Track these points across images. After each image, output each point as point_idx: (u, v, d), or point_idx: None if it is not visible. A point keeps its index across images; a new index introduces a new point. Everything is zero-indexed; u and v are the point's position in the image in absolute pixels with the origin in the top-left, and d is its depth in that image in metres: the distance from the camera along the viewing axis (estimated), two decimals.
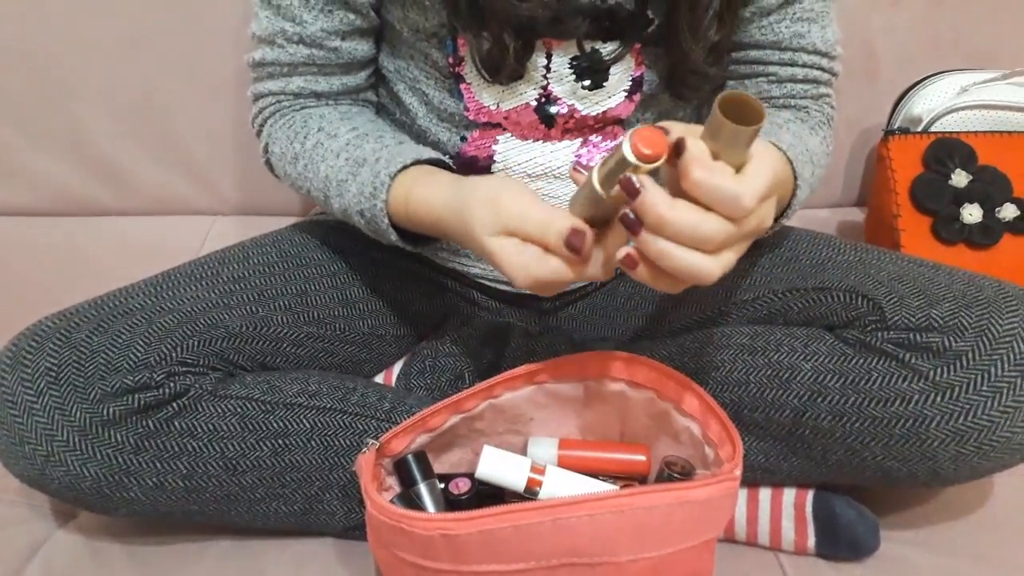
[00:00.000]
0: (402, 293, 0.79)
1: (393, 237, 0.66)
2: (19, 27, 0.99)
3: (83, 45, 1.00)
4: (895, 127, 0.98)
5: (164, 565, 0.69)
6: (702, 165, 0.48)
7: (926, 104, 0.98)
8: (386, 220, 0.65)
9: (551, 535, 0.53)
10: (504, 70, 0.66)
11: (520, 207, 0.55)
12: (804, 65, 0.73)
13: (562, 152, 0.72)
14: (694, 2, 0.64)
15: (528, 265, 0.54)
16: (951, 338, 0.62)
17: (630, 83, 0.70)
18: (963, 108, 0.96)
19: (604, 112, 0.71)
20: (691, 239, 0.49)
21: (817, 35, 0.71)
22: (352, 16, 0.70)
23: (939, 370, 0.61)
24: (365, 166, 0.66)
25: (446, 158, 0.71)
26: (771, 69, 0.73)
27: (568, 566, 0.54)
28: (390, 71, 0.75)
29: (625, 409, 0.67)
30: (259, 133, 0.76)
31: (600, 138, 0.73)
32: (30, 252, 1.07)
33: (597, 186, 0.51)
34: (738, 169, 0.50)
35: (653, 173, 0.49)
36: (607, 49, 0.68)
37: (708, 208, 0.49)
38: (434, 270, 0.80)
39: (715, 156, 0.49)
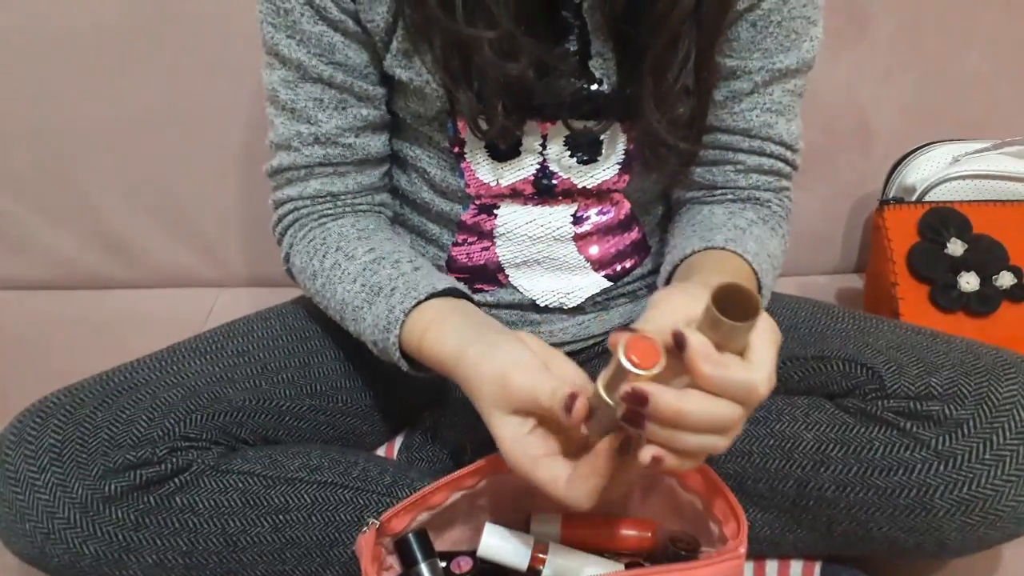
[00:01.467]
0: None
1: (405, 368, 0.66)
2: (31, 106, 1.02)
3: (93, 123, 1.02)
4: (890, 197, 0.99)
5: None
6: (708, 360, 0.46)
7: (919, 174, 0.99)
8: (398, 353, 0.65)
9: None
10: (495, 129, 0.66)
11: (529, 385, 0.53)
12: (770, 155, 0.73)
13: (561, 213, 0.74)
14: (659, 75, 0.65)
15: (528, 449, 0.53)
16: (951, 406, 0.62)
17: (623, 157, 0.72)
18: (956, 178, 0.98)
19: (599, 184, 0.73)
20: (709, 427, 0.48)
21: (783, 127, 0.72)
22: (365, 111, 0.71)
23: (941, 439, 0.62)
24: (380, 296, 0.66)
25: (462, 286, 0.69)
26: (739, 157, 0.73)
27: None
28: (395, 150, 0.77)
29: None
30: (280, 241, 0.77)
31: (596, 202, 0.75)
32: (40, 324, 1.08)
33: (605, 396, 0.49)
34: (741, 351, 0.48)
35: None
36: (597, 127, 0.70)
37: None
38: None
39: (717, 345, 0.47)
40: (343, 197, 0.74)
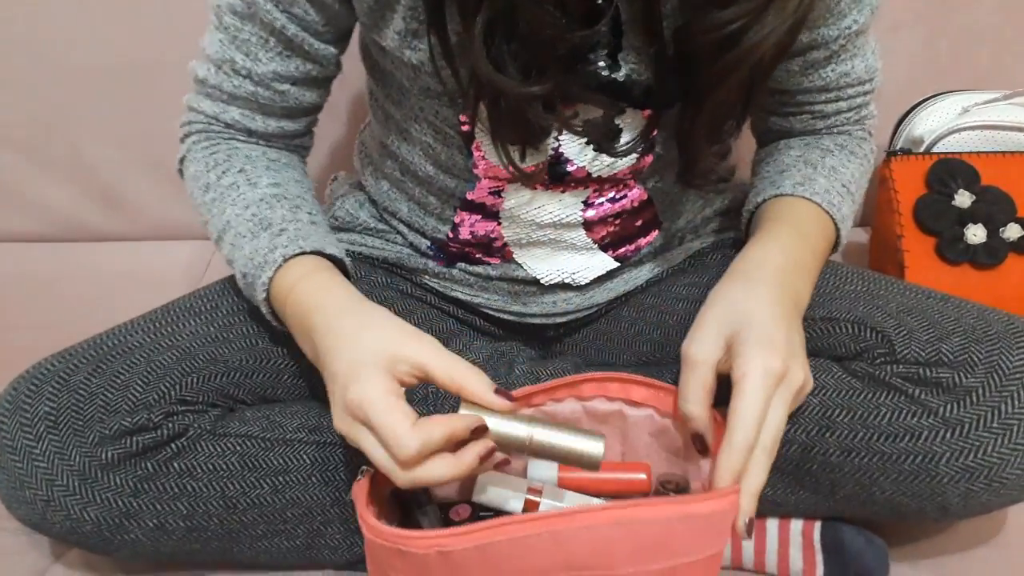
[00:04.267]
0: (403, 319, 0.79)
1: (265, 310, 0.65)
2: (24, 57, 1.00)
3: (87, 74, 1.01)
4: (897, 148, 0.97)
5: None
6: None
7: (928, 125, 0.97)
8: (264, 294, 0.63)
9: (549, 549, 0.52)
10: (520, 133, 0.64)
11: (430, 353, 0.56)
12: (849, 98, 0.73)
13: (571, 200, 0.71)
14: (716, 123, 0.64)
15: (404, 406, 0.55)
16: (961, 374, 0.61)
17: (642, 146, 0.68)
18: (965, 129, 0.96)
19: (615, 173, 0.70)
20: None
21: (860, 67, 0.71)
22: (310, 66, 0.68)
23: (949, 406, 0.61)
24: (267, 232, 0.65)
25: (349, 264, 0.68)
26: (816, 107, 0.73)
27: None
28: (395, 118, 0.73)
29: (625, 428, 0.66)
30: (181, 140, 0.74)
31: (610, 187, 0.72)
32: (34, 277, 1.07)
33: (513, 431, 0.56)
34: None
35: None
36: (617, 115, 0.66)
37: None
38: (436, 296, 0.80)
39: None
40: (260, 135, 0.72)
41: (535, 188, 0.70)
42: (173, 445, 0.63)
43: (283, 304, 0.62)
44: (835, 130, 0.76)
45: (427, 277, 0.78)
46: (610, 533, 0.52)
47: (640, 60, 0.63)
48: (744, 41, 0.56)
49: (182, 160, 0.74)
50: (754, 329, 0.58)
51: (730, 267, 0.65)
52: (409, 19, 0.62)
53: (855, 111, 0.75)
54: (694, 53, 0.59)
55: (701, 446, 0.60)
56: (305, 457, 0.66)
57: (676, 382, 0.72)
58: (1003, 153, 0.95)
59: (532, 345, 0.81)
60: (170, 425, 0.63)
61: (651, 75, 0.63)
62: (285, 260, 0.62)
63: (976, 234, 0.91)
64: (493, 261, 0.75)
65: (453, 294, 0.79)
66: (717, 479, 0.55)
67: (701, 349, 0.59)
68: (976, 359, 0.61)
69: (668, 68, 0.62)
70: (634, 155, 0.69)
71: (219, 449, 0.64)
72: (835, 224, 0.69)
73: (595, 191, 0.71)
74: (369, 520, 0.55)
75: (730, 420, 0.56)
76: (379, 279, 0.78)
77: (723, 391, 0.59)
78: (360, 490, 0.58)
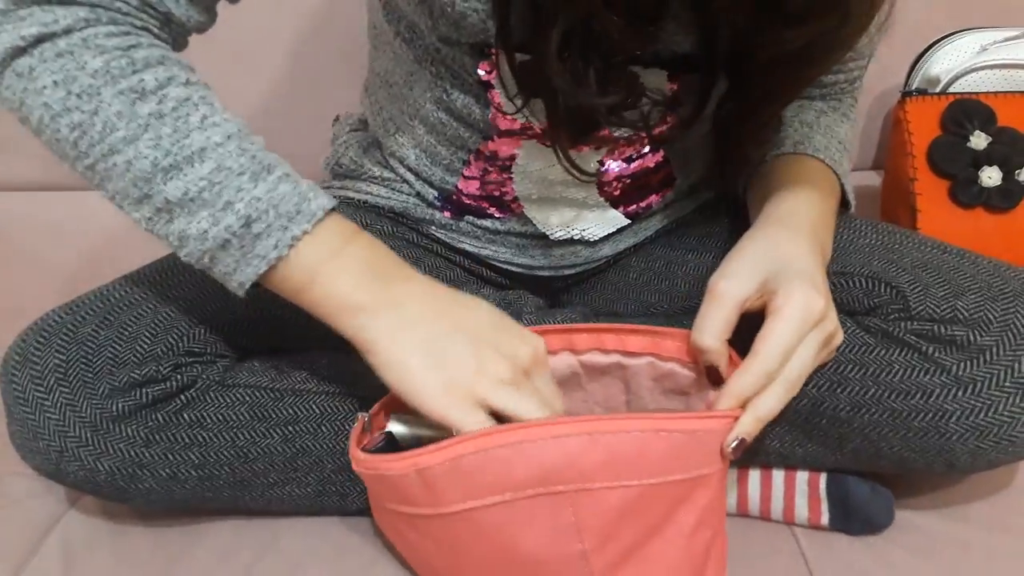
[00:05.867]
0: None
1: (260, 269, 0.54)
2: None
3: None
4: (912, 88, 0.95)
5: (181, 535, 0.69)
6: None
7: (944, 64, 0.95)
8: (285, 251, 0.53)
9: (520, 461, 0.52)
10: (580, 136, 0.63)
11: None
12: (848, 71, 0.74)
13: (588, 158, 0.69)
14: (760, 120, 0.65)
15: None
16: (976, 332, 0.61)
17: (664, 107, 0.66)
18: (982, 68, 0.93)
19: (636, 132, 0.68)
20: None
21: (864, 41, 0.69)
22: None
23: (962, 364, 0.60)
24: (273, 173, 0.54)
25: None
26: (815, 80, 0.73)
27: (544, 496, 0.53)
28: (405, 59, 0.68)
29: (626, 377, 0.66)
30: (34, 3, 0.51)
31: (627, 147, 0.70)
32: (40, 226, 1.06)
33: None
34: None
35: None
36: (647, 78, 0.63)
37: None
38: (443, 246, 0.79)
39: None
40: (176, 30, 0.57)
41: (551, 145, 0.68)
42: (183, 396, 0.63)
43: (304, 275, 0.55)
44: (828, 96, 0.76)
45: (434, 228, 0.77)
46: (579, 444, 0.52)
47: (681, 33, 0.61)
48: (808, 56, 0.57)
49: (41, 39, 0.51)
50: (797, 269, 0.58)
51: (764, 213, 0.65)
52: None
53: (850, 82, 0.76)
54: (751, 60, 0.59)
55: (716, 377, 0.59)
56: (314, 407, 0.67)
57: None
58: (1021, 93, 0.92)
59: (539, 295, 0.81)
60: (179, 376, 0.63)
61: (691, 48, 0.62)
62: (326, 212, 0.55)
63: (991, 176, 0.90)
64: (502, 215, 0.75)
65: (460, 245, 0.78)
66: (720, 400, 0.56)
67: (733, 283, 0.58)
68: (991, 317, 0.61)
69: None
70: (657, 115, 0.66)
71: (228, 400, 0.65)
72: (838, 179, 0.70)
73: (612, 150, 0.70)
74: (355, 452, 0.56)
75: (757, 345, 0.56)
76: (385, 228, 0.77)
77: (740, 338, 0.59)
78: (353, 434, 0.59)
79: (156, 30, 0.55)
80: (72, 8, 0.51)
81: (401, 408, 0.59)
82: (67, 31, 0.51)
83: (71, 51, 0.51)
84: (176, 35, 0.58)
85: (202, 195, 0.52)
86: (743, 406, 0.56)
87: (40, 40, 0.51)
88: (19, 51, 0.51)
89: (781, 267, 0.58)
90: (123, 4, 0.53)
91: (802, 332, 0.56)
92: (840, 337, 0.60)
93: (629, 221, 0.75)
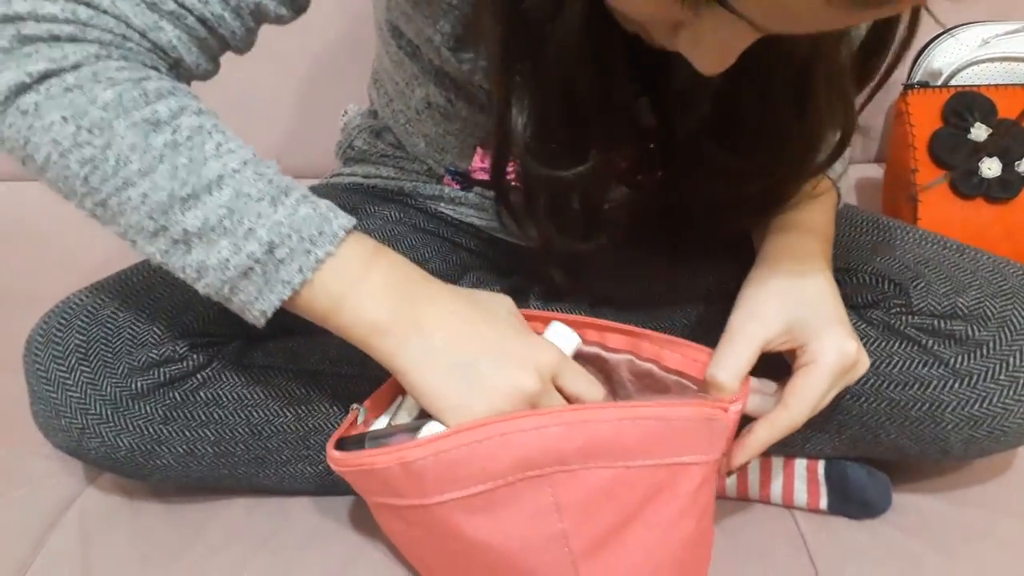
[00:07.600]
0: (418, 252, 0.79)
1: (284, 295, 0.52)
2: None
3: None
4: (914, 81, 0.96)
5: (196, 513, 0.71)
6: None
7: (946, 57, 0.96)
8: (309, 274, 0.51)
9: (501, 451, 0.53)
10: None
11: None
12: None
13: None
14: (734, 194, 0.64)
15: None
16: (975, 327, 0.62)
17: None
18: (984, 61, 0.95)
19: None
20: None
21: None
22: (284, 11, 0.57)
23: (960, 357, 0.62)
24: (291, 196, 0.52)
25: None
26: None
27: (525, 480, 0.54)
28: (410, 68, 0.70)
29: (607, 369, 0.66)
30: (53, 40, 0.49)
31: None
32: (51, 216, 1.08)
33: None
34: None
35: None
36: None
37: None
38: (450, 227, 0.80)
39: None
40: (184, 75, 0.56)
41: None
42: (199, 375, 0.65)
43: (331, 298, 0.54)
44: None
45: (443, 204, 0.78)
46: (559, 432, 0.53)
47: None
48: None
49: (48, 75, 0.49)
50: (825, 315, 0.59)
51: (775, 226, 0.65)
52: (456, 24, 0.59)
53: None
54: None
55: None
56: (327, 388, 0.68)
57: (687, 322, 0.73)
58: (1022, 86, 0.94)
59: (543, 282, 0.82)
60: (195, 356, 0.65)
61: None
62: (347, 232, 0.54)
63: (991, 168, 0.91)
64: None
65: (468, 220, 0.79)
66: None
67: (758, 326, 0.58)
68: (990, 313, 0.63)
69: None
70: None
71: (244, 379, 0.66)
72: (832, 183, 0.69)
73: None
74: (331, 452, 0.56)
75: (787, 398, 0.57)
76: (391, 214, 0.78)
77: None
78: (346, 421, 0.60)
79: (164, 71, 0.54)
80: (83, 45, 0.50)
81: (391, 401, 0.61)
82: (76, 66, 0.50)
83: (80, 86, 0.49)
84: (181, 80, 0.57)
85: (222, 223, 0.50)
86: (729, 400, 0.56)
87: (47, 76, 0.49)
88: (24, 88, 0.49)
89: (809, 314, 0.59)
90: (135, 45, 0.52)
91: (834, 383, 0.58)
92: (866, 363, 0.60)
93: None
